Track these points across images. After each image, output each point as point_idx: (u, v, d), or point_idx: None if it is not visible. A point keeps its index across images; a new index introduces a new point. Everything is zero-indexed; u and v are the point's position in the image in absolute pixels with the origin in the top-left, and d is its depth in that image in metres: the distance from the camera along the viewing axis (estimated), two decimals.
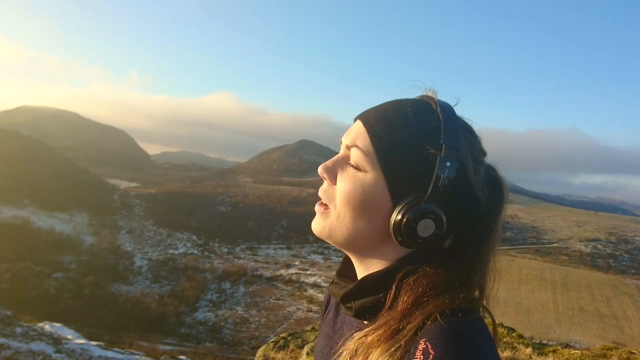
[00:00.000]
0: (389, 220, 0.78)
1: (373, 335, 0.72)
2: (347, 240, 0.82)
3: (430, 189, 0.75)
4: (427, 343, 0.65)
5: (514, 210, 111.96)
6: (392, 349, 0.68)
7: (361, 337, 0.73)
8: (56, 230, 71.80)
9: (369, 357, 0.70)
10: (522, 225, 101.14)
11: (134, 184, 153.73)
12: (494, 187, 0.83)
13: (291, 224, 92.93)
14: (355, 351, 0.73)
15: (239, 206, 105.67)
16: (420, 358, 0.63)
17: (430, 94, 0.84)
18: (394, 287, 0.76)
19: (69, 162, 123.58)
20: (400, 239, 0.77)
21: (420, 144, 0.77)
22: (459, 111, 0.83)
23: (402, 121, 0.79)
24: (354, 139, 0.82)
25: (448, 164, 0.75)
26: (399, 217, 0.76)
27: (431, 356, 0.63)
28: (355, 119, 0.85)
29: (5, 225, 65.47)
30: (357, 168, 0.80)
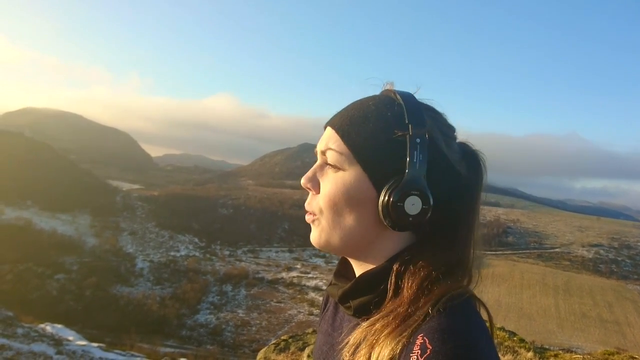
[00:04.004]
0: (377, 209, 0.79)
1: (381, 323, 0.73)
2: (344, 242, 0.83)
3: (407, 167, 0.77)
4: (425, 338, 0.65)
5: (516, 215, 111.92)
6: (400, 336, 0.69)
7: (369, 326, 0.74)
8: (58, 231, 71.80)
9: (376, 345, 0.70)
10: (524, 230, 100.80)
11: (136, 186, 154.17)
12: (471, 161, 0.86)
13: (293, 227, 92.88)
14: (363, 339, 0.73)
15: (240, 209, 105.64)
16: (418, 353, 0.64)
17: (388, 87, 0.88)
18: (393, 276, 0.77)
19: (71, 163, 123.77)
20: (391, 221, 0.79)
21: (387, 129, 0.80)
22: (449, 112, 0.88)
23: (366, 114, 0.83)
24: (327, 143, 0.85)
25: (418, 140, 0.78)
26: (386, 199, 0.78)
27: (429, 350, 0.63)
28: (325, 127, 0.88)
29: (7, 226, 65.57)
30: (335, 168, 0.83)
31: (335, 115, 0.88)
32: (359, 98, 0.90)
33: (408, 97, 0.84)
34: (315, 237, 0.86)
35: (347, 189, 0.81)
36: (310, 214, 0.87)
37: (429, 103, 0.87)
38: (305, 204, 0.88)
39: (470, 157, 0.87)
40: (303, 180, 0.87)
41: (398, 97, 0.83)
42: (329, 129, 0.87)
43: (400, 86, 0.90)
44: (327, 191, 0.83)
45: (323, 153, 0.86)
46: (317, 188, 0.86)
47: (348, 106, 0.88)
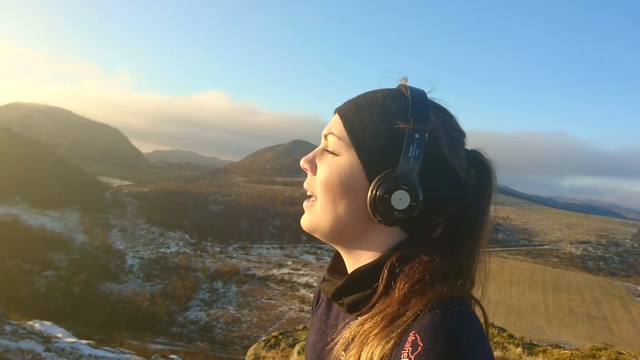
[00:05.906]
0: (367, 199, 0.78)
1: (370, 323, 0.71)
2: (333, 228, 0.83)
3: (401, 160, 0.76)
4: (416, 335, 0.64)
5: (505, 212, 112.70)
6: (388, 336, 0.67)
7: (358, 325, 0.73)
8: (47, 228, 71.14)
9: (365, 345, 0.69)
10: (513, 227, 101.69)
11: (126, 182, 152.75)
12: (481, 170, 0.83)
13: (284, 223, 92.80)
14: (352, 339, 0.72)
15: (232, 205, 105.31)
16: (409, 350, 0.62)
17: (402, 82, 0.87)
18: (386, 273, 0.75)
19: (61, 159, 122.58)
20: (378, 215, 0.77)
21: (389, 121, 0.78)
22: (453, 108, 0.87)
23: (372, 104, 0.82)
24: (330, 127, 0.85)
25: (417, 135, 0.76)
26: (374, 192, 0.76)
27: (420, 348, 0.62)
28: (334, 113, 0.89)
29: None
30: (333, 153, 0.83)
31: (345, 103, 0.87)
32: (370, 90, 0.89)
33: (418, 93, 0.82)
34: (305, 220, 0.86)
35: (339, 174, 0.80)
36: (310, 195, 0.87)
37: (442, 104, 0.86)
38: (305, 183, 0.89)
39: (480, 166, 0.84)
40: (302, 161, 0.88)
41: (408, 92, 0.82)
42: (336, 114, 0.87)
43: (395, 81, 0.90)
44: (321, 175, 0.83)
45: (325, 137, 0.86)
46: (314, 170, 0.86)
47: (359, 95, 0.87)
